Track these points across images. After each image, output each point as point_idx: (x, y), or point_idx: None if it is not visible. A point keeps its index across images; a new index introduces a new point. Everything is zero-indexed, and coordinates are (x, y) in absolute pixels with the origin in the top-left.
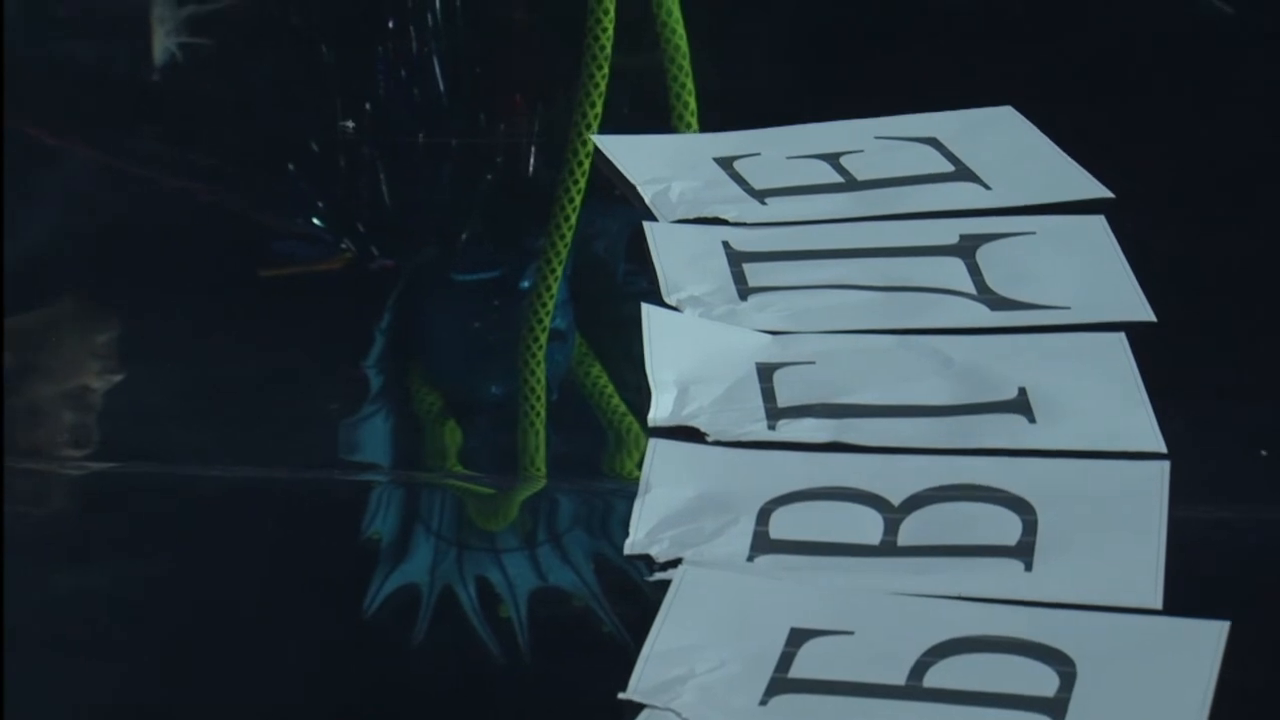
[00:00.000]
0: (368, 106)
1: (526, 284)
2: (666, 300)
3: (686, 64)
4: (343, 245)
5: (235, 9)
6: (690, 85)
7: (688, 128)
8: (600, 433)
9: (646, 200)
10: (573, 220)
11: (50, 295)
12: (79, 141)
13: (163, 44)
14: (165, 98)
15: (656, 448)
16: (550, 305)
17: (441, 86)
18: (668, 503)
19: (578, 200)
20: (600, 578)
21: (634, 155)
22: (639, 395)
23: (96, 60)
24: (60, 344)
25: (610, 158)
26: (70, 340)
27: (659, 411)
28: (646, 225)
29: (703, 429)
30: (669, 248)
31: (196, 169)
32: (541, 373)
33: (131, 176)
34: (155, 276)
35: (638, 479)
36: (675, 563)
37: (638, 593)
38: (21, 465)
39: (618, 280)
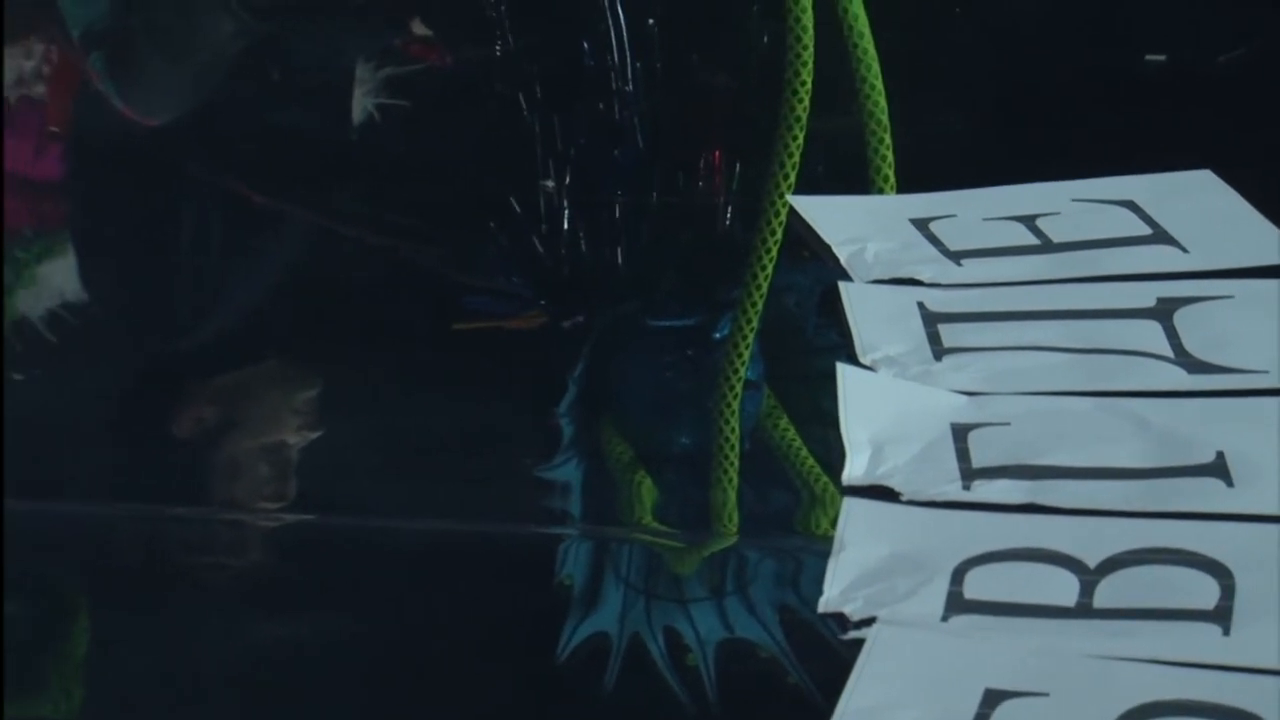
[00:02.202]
0: (568, 166)
1: (719, 334)
2: (861, 360)
3: (886, 120)
4: (540, 302)
5: (435, 70)
6: (889, 145)
7: (885, 185)
8: (790, 487)
9: (842, 260)
10: (768, 273)
11: (254, 351)
12: (286, 201)
13: (361, 104)
14: (368, 158)
15: (850, 507)
16: (746, 356)
17: (641, 146)
18: (862, 561)
19: (773, 254)
20: (788, 633)
21: (829, 215)
22: (827, 450)
23: (301, 121)
24: (260, 399)
25: (806, 217)
26: (270, 395)
27: (853, 470)
28: (841, 285)
29: (897, 488)
30: (864, 308)
31: (399, 228)
32: (736, 423)
33: (336, 235)
34: (356, 333)
35: (827, 535)
36: (869, 621)
37: (826, 649)
38: (220, 517)
39: (808, 334)
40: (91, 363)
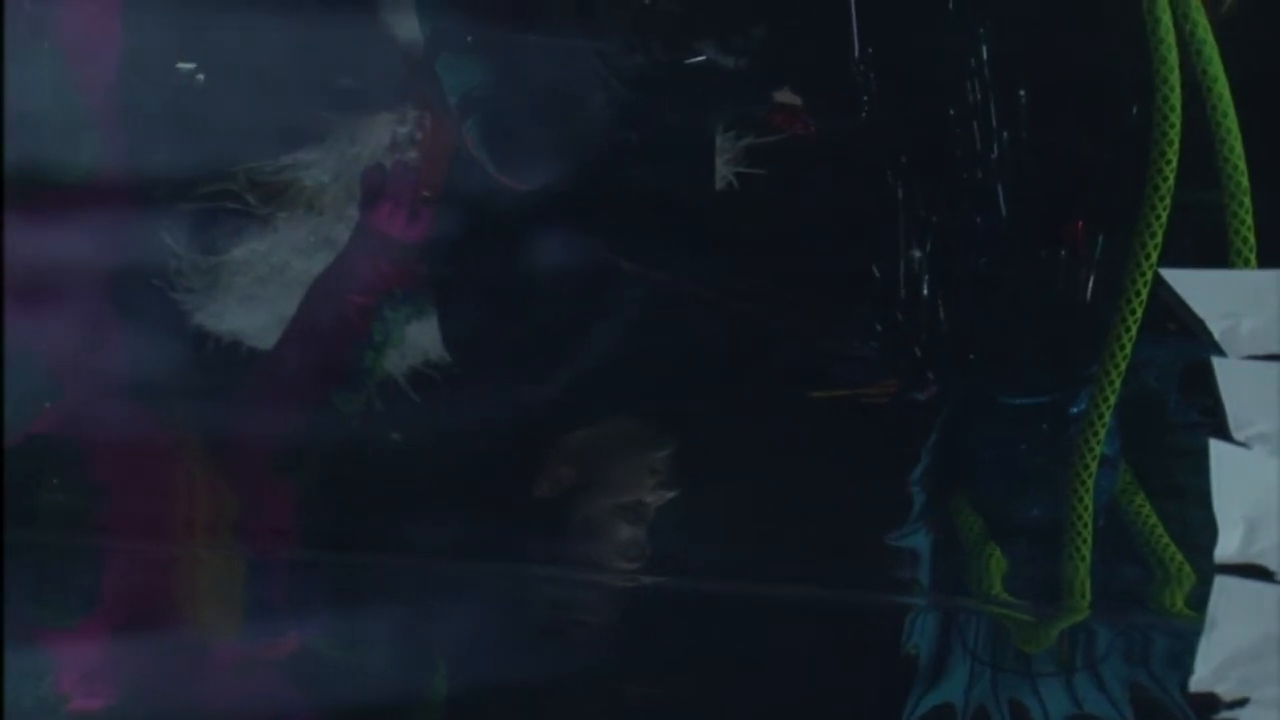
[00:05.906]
0: (930, 234)
1: (1076, 410)
2: (1234, 437)
3: (1247, 201)
4: (898, 369)
5: (797, 139)
6: (1250, 222)
7: (1245, 264)
8: (1144, 564)
9: (1215, 335)
10: (1128, 349)
11: (613, 412)
12: (647, 265)
13: (722, 172)
14: (728, 224)
15: (1223, 585)
16: (1103, 432)
17: (1004, 214)
18: (1234, 641)
19: (1134, 329)
20: (1138, 712)
21: (1202, 289)
22: (1184, 527)
23: (663, 188)
24: (619, 459)
25: (1176, 290)
26: (629, 455)
27: (1226, 548)
28: (1215, 360)
29: (1271, 568)
30: (1237, 384)
31: (758, 294)
32: (1090, 499)
33: (696, 299)
34: (713, 396)
35: (1181, 614)
36: (1242, 702)
37: None
38: (578, 576)
39: (1167, 411)
40: (453, 421)
